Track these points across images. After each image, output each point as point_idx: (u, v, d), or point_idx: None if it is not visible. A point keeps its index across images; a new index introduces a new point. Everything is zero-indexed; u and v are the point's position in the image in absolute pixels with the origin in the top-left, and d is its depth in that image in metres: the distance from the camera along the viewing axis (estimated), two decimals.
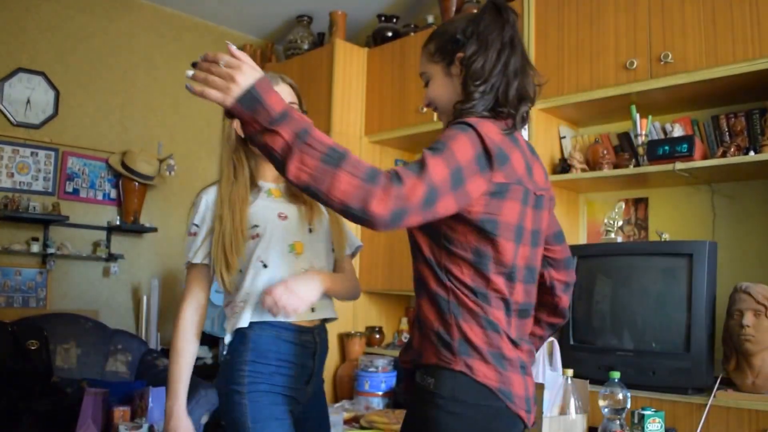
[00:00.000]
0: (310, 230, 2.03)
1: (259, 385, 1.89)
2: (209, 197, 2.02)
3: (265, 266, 1.95)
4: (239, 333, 1.94)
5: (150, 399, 3.39)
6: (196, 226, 2.01)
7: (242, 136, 2.03)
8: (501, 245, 1.51)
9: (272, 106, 1.36)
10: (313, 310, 1.98)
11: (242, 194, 1.98)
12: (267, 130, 1.35)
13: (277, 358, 1.92)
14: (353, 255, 2.20)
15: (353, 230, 2.23)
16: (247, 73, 1.39)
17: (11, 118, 4.21)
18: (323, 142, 1.35)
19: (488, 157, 1.46)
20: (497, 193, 1.49)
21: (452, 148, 1.43)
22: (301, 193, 1.99)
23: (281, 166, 1.36)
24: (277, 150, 1.35)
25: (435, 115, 3.80)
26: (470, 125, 1.48)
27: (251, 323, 1.91)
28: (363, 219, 1.33)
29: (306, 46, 4.76)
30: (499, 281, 1.53)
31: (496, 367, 1.50)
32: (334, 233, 2.09)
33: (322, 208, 2.07)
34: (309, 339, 1.98)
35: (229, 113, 1.40)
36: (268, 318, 1.90)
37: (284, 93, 2.04)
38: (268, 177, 2.09)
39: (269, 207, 2.01)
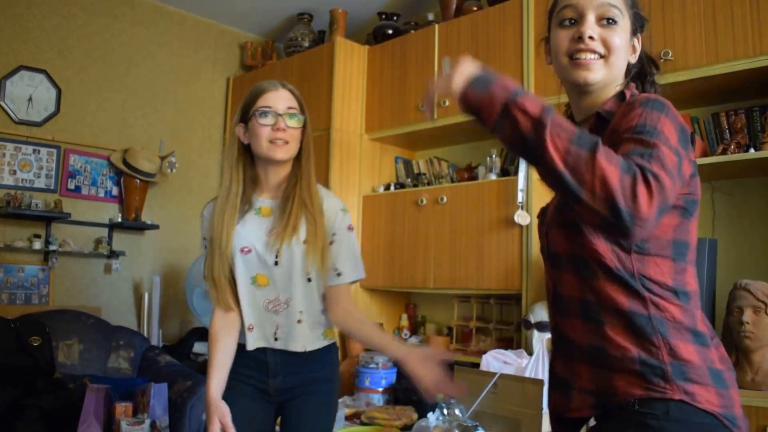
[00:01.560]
0: (276, 263, 2.05)
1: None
2: (208, 212, 2.17)
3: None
4: None
5: (152, 395, 3.38)
6: (205, 240, 2.19)
7: (246, 143, 2.09)
8: (693, 226, 1.34)
9: (507, 81, 1.19)
10: (276, 339, 2.10)
11: (228, 217, 2.07)
12: (510, 106, 1.14)
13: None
14: (352, 283, 2.18)
15: (352, 259, 2.18)
16: (470, 63, 1.25)
17: (13, 116, 4.19)
18: (565, 120, 1.15)
19: (687, 136, 1.26)
20: (695, 172, 1.32)
21: (664, 132, 1.20)
22: (291, 212, 2.04)
23: (536, 151, 1.12)
24: (527, 130, 1.12)
25: (436, 113, 3.80)
26: (666, 103, 1.28)
27: None
28: (626, 221, 1.07)
29: (307, 44, 4.75)
30: (692, 271, 1.34)
31: (715, 387, 1.25)
32: (311, 261, 2.05)
33: (301, 234, 2.05)
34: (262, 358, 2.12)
35: (465, 105, 1.22)
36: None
37: (284, 98, 2.07)
38: (266, 191, 2.14)
39: (244, 233, 2.09)
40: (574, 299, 1.35)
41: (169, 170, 4.60)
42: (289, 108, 2.06)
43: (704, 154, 2.95)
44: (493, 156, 3.69)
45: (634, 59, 1.48)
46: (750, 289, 2.56)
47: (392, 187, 4.18)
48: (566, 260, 1.37)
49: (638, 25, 1.46)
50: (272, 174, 2.10)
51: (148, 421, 3.29)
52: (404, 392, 3.22)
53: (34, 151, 4.26)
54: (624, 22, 1.42)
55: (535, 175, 3.34)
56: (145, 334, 4.33)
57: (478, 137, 4.06)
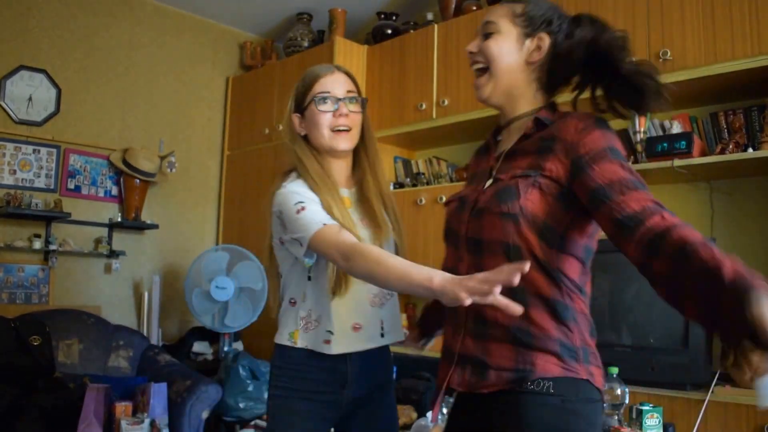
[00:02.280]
0: None
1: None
2: (299, 186, 1.83)
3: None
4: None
5: (151, 394, 3.39)
6: (301, 202, 1.75)
7: (302, 134, 1.92)
8: (597, 237, 1.52)
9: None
10: (383, 335, 1.90)
11: (338, 198, 1.83)
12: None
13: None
14: None
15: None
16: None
17: (13, 116, 4.19)
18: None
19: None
20: None
21: (637, 176, 1.36)
22: (374, 208, 1.88)
23: None
24: None
25: (434, 112, 3.80)
26: (610, 126, 1.49)
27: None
28: None
29: (306, 44, 4.75)
30: (590, 276, 1.54)
31: (600, 368, 1.47)
32: (402, 253, 1.89)
33: (389, 227, 1.91)
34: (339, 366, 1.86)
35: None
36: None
37: (342, 81, 1.90)
38: (341, 181, 1.94)
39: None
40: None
41: (168, 170, 4.61)
42: (349, 92, 1.91)
43: (702, 154, 2.95)
44: None
45: (537, 57, 1.54)
46: None
47: (391, 187, 4.18)
48: (494, 247, 1.44)
49: (534, 27, 1.53)
50: (336, 167, 1.92)
51: (147, 421, 3.30)
52: (404, 391, 3.22)
53: (34, 150, 4.27)
54: (507, 30, 1.53)
55: None
56: (145, 334, 4.34)
57: (477, 136, 4.06)
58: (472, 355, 1.47)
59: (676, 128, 3.10)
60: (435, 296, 1.34)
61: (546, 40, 1.53)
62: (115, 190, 4.59)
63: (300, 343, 1.85)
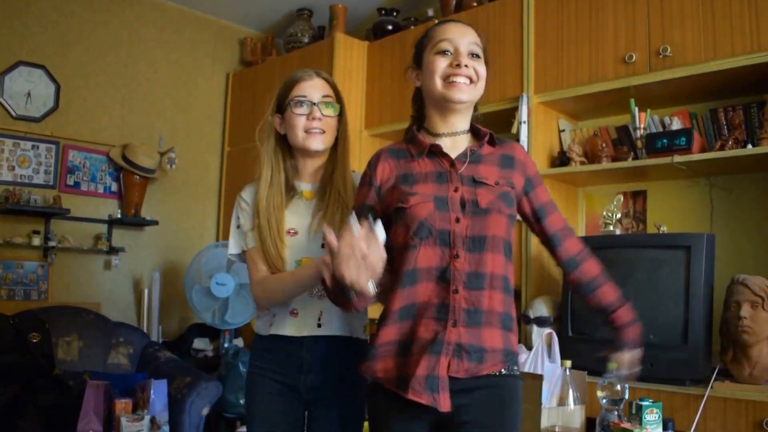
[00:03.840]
0: (323, 245, 1.93)
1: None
2: (249, 197, 2.12)
3: None
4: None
5: (151, 391, 3.40)
6: (238, 219, 2.13)
7: (282, 133, 2.09)
8: None
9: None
10: (320, 325, 2.03)
11: (278, 201, 2.04)
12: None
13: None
14: None
15: None
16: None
17: (12, 112, 4.21)
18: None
19: None
20: None
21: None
22: (330, 201, 2.05)
23: None
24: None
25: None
26: None
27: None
28: None
29: (306, 40, 4.77)
30: None
31: None
32: None
33: (339, 217, 2.03)
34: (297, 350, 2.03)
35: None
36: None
37: (319, 87, 2.07)
38: (305, 177, 2.12)
39: (290, 215, 2.07)
40: (498, 276, 1.70)
41: (168, 166, 4.62)
42: (324, 96, 2.06)
43: (702, 150, 2.97)
44: None
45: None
46: (747, 284, 2.58)
47: None
48: (497, 243, 1.70)
49: (486, 60, 1.84)
50: (309, 164, 2.10)
51: (147, 417, 3.32)
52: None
53: (33, 146, 4.28)
54: (483, 59, 1.82)
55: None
56: (145, 331, 4.36)
57: None
58: (468, 343, 1.65)
59: (676, 124, 3.12)
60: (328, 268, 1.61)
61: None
62: (114, 187, 4.61)
63: (256, 329, 2.12)
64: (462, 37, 1.79)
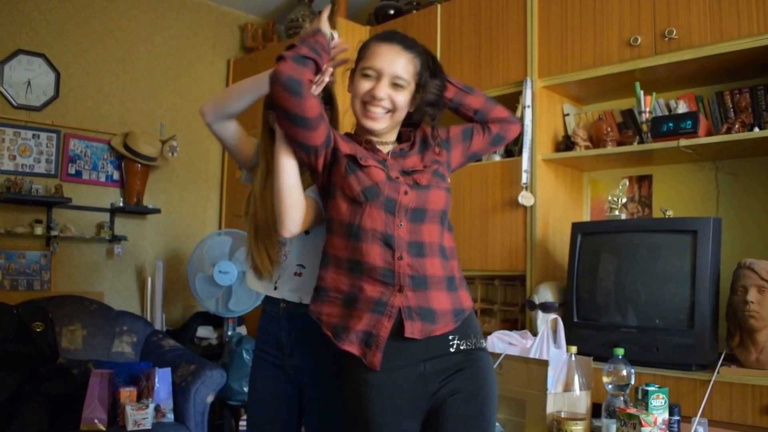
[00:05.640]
0: (306, 231, 2.07)
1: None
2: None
3: None
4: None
5: (156, 379, 3.43)
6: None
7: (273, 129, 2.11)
8: None
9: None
10: (275, 288, 2.15)
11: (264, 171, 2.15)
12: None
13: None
14: None
15: None
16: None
17: (12, 101, 4.21)
18: None
19: None
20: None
21: None
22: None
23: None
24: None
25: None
26: None
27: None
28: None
29: (307, 25, 4.74)
30: None
31: None
32: None
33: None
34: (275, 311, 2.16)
35: None
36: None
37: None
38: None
39: None
40: (435, 243, 1.85)
41: (170, 154, 4.62)
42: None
43: (708, 134, 2.96)
44: None
45: (413, 108, 1.94)
46: (754, 268, 2.58)
47: None
48: (435, 214, 1.86)
49: (421, 86, 1.91)
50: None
51: (152, 405, 3.34)
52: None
53: (34, 135, 4.28)
54: (408, 86, 1.88)
55: (539, 156, 3.36)
56: (149, 319, 4.37)
57: None
58: (417, 306, 1.80)
59: (682, 108, 3.11)
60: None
61: (419, 97, 1.94)
62: (116, 175, 4.61)
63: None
64: (389, 66, 1.86)
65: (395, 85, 1.86)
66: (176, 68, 4.97)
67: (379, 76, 1.86)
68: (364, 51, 1.93)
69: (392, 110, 1.88)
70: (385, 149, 1.94)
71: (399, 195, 1.82)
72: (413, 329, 1.78)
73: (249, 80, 2.09)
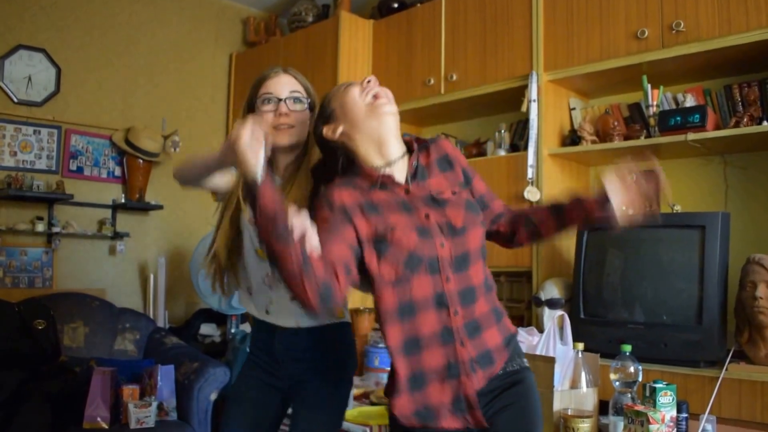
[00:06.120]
0: None
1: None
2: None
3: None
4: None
5: (159, 377, 3.44)
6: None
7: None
8: None
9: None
10: (267, 312, 2.12)
11: (233, 201, 2.08)
12: None
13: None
14: None
15: None
16: None
17: (12, 96, 4.22)
18: None
19: None
20: None
21: None
22: (289, 190, 2.01)
23: None
24: None
25: (443, 87, 3.81)
26: None
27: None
28: None
29: (310, 19, 4.75)
30: None
31: None
32: None
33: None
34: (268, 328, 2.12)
35: None
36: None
37: (285, 83, 2.08)
38: (278, 173, 2.10)
39: None
40: (481, 282, 1.79)
41: (172, 149, 4.63)
42: (292, 92, 2.07)
43: (717, 127, 2.96)
44: (502, 131, 3.71)
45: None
46: (763, 264, 2.58)
47: None
48: (476, 254, 1.78)
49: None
50: (281, 159, 2.09)
51: (155, 404, 3.35)
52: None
53: (35, 131, 4.30)
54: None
55: (545, 151, 3.36)
56: (151, 316, 4.39)
57: (486, 112, 4.08)
58: (477, 354, 1.72)
59: (690, 101, 3.10)
60: (232, 151, 1.56)
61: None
62: (118, 171, 4.63)
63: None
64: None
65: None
66: (178, 63, 4.98)
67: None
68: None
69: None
70: (401, 173, 1.81)
71: (437, 250, 1.72)
72: (476, 381, 1.70)
73: (204, 163, 1.99)
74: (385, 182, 1.79)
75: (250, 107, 2.13)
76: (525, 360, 1.84)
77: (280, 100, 2.05)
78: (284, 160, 2.09)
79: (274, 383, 2.13)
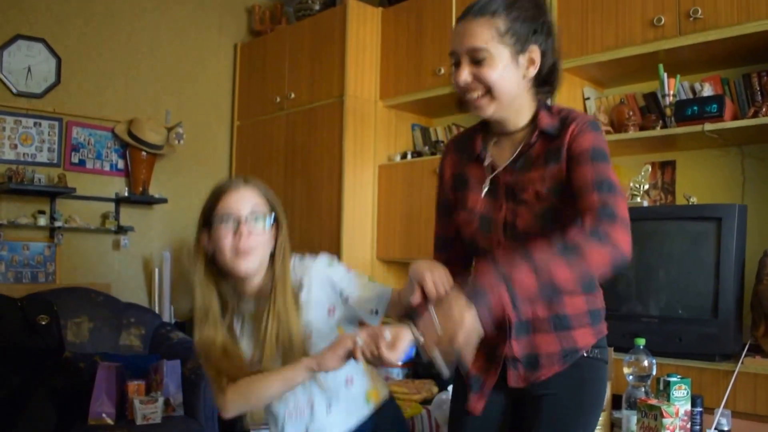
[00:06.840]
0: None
1: None
2: None
3: None
4: None
5: (165, 372, 3.49)
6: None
7: (210, 252, 1.88)
8: None
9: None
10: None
11: (220, 340, 1.88)
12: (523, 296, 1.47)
13: None
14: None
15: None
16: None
17: (12, 88, 4.26)
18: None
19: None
20: None
21: (614, 181, 1.66)
22: (266, 332, 1.85)
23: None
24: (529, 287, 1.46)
25: (452, 77, 3.84)
26: (602, 130, 1.72)
27: None
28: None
29: (317, 7, 4.77)
30: None
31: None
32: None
33: (273, 350, 1.86)
34: None
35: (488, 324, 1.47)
36: None
37: (246, 198, 1.88)
38: (249, 296, 1.93)
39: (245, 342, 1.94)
40: None
41: (176, 141, 4.67)
42: (254, 210, 1.86)
43: (734, 117, 2.97)
44: None
45: (534, 71, 1.70)
46: None
47: (409, 156, 4.24)
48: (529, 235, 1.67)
49: (522, 42, 1.66)
50: (246, 285, 1.90)
51: (161, 399, 3.40)
52: (424, 366, 3.30)
53: (35, 123, 4.34)
54: (498, 53, 1.63)
55: None
56: (157, 311, 4.44)
57: None
58: (521, 354, 1.73)
59: (707, 91, 3.12)
60: (319, 370, 1.68)
61: (536, 52, 1.69)
62: (121, 164, 4.67)
63: None
64: (461, 43, 1.72)
65: (475, 61, 1.66)
66: (181, 53, 5.02)
67: (457, 60, 1.70)
68: None
69: (487, 91, 1.67)
70: (514, 146, 1.76)
71: (492, 245, 1.76)
72: (516, 379, 1.75)
73: (278, 379, 1.79)
74: (478, 154, 1.81)
75: (207, 222, 1.90)
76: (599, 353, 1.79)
77: (239, 221, 1.83)
78: (251, 284, 1.90)
79: None
